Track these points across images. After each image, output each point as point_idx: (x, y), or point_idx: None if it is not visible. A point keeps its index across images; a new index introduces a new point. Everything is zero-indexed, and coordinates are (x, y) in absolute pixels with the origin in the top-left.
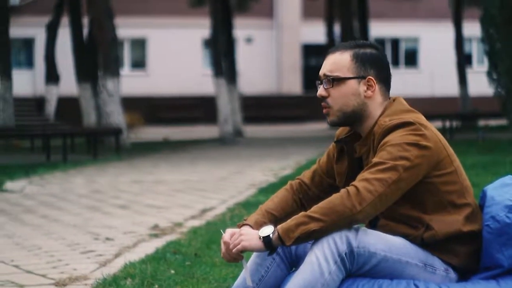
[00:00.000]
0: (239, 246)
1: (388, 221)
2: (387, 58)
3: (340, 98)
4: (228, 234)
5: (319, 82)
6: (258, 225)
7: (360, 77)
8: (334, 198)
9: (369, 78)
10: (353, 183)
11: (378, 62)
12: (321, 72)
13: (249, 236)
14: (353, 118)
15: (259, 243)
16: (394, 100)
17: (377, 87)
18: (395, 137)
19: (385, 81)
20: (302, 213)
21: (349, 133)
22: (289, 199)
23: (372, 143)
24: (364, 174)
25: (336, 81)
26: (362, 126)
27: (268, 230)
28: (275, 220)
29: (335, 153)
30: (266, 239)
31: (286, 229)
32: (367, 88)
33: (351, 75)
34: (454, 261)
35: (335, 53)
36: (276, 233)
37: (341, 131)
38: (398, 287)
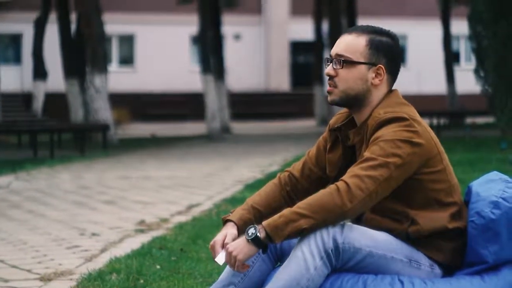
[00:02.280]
0: (237, 263)
1: (373, 215)
2: (401, 50)
3: (347, 80)
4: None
5: (329, 60)
6: (242, 221)
7: (371, 64)
8: (323, 194)
9: (380, 67)
10: (344, 178)
11: (392, 52)
12: (332, 51)
13: (239, 248)
14: (354, 102)
15: (251, 249)
16: (391, 92)
17: (385, 77)
18: (388, 132)
19: (393, 73)
20: (290, 209)
21: (345, 121)
22: (277, 195)
23: (365, 134)
24: (355, 170)
25: (347, 63)
26: (360, 113)
27: (252, 230)
28: (260, 216)
29: (329, 142)
30: (256, 242)
31: (274, 227)
32: (375, 76)
33: (362, 60)
34: (439, 257)
35: (351, 34)
36: (264, 233)
37: (335, 120)
38: (382, 282)
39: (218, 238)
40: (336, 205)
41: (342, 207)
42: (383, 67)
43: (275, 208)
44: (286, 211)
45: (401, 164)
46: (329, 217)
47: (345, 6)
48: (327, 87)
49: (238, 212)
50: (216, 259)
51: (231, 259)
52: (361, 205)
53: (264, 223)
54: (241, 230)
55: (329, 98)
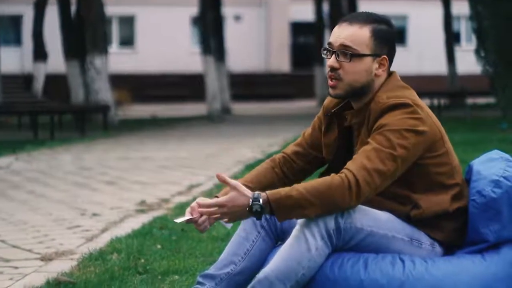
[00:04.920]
0: (224, 220)
1: (376, 196)
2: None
3: (353, 73)
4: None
5: (329, 50)
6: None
7: (376, 55)
8: (336, 187)
9: (384, 57)
10: (352, 170)
11: (392, 41)
12: (335, 41)
13: (235, 214)
14: (358, 93)
15: (247, 217)
16: (390, 74)
17: (387, 66)
18: (394, 120)
19: (392, 60)
20: (298, 191)
21: (339, 104)
22: (268, 172)
23: (368, 118)
24: (363, 161)
25: (354, 56)
26: (359, 99)
27: (257, 208)
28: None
29: (324, 125)
30: (256, 214)
31: (283, 207)
32: (379, 66)
33: (368, 52)
34: (440, 236)
35: (353, 24)
36: (269, 209)
37: (329, 101)
38: (383, 261)
39: (192, 204)
40: (344, 200)
41: (350, 202)
42: (386, 57)
43: (266, 184)
44: (294, 192)
45: (407, 156)
46: (335, 209)
47: None
48: (328, 81)
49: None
50: (175, 219)
51: (220, 215)
52: (366, 198)
53: (271, 198)
54: None
55: (332, 92)
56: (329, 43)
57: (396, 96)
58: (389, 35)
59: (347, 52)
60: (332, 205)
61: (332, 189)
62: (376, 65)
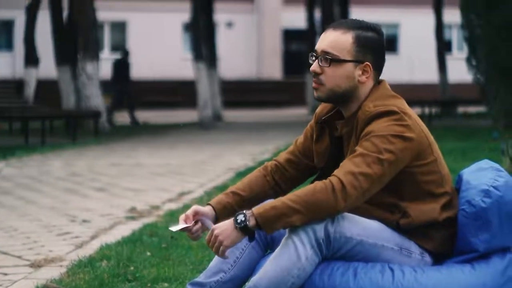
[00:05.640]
0: (222, 248)
1: (365, 204)
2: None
3: (334, 78)
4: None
5: (314, 56)
6: (220, 205)
7: (358, 62)
8: (319, 192)
9: (367, 64)
10: (338, 175)
11: (378, 48)
12: (318, 47)
13: (225, 233)
14: (341, 99)
15: (238, 235)
16: (379, 83)
17: (371, 73)
18: (380, 127)
19: (379, 68)
20: (282, 201)
21: (330, 112)
22: (260, 180)
23: (355, 128)
24: (349, 166)
25: (334, 61)
26: (347, 107)
27: (241, 217)
28: (241, 200)
29: (315, 132)
30: (244, 230)
31: (266, 219)
32: (362, 73)
33: (349, 58)
34: (430, 245)
35: (336, 30)
36: (254, 222)
37: (321, 109)
38: (373, 270)
39: (188, 212)
40: (330, 205)
41: (336, 207)
42: (370, 64)
43: (258, 192)
44: (278, 203)
45: (394, 161)
46: (321, 215)
47: None
48: (313, 83)
49: (217, 197)
50: (170, 228)
51: (215, 243)
52: (354, 203)
53: (255, 211)
54: (220, 214)
55: (315, 95)
56: (314, 49)
57: (383, 105)
58: (374, 42)
59: (327, 58)
60: (317, 210)
61: (315, 194)
62: (358, 72)
